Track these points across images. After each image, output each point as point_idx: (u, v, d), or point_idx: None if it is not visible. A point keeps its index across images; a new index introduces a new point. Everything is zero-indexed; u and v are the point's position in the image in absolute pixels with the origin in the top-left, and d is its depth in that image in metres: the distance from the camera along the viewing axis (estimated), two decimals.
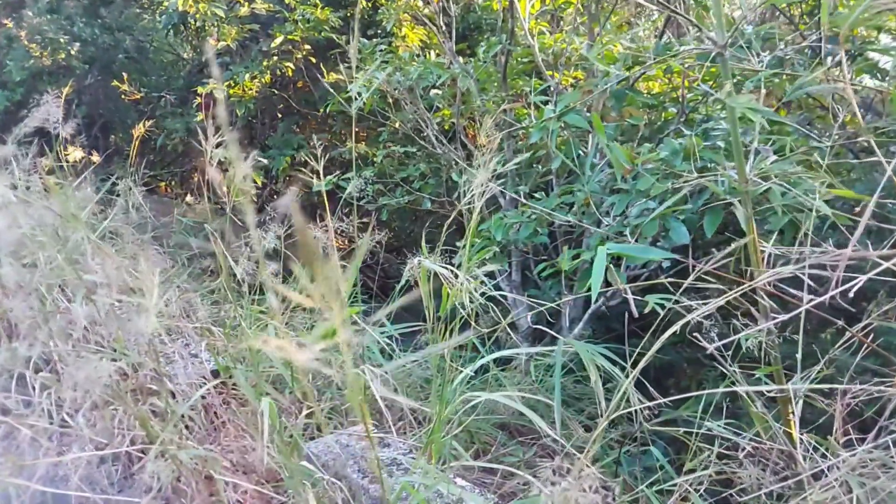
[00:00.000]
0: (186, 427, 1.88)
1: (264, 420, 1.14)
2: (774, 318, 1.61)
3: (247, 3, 5.17)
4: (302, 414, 1.66)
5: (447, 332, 1.50)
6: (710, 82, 3.23)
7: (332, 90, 5.43)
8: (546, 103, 2.47)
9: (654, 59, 2.18)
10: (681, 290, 1.43)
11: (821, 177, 1.52)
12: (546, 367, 3.20)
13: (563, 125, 2.49)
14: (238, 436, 2.08)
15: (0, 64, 5.53)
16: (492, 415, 2.78)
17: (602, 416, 1.11)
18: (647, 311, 1.28)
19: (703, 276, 1.76)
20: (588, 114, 2.56)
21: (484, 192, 1.30)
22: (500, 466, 1.63)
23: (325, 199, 1.77)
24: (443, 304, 1.38)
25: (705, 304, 1.66)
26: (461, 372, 1.48)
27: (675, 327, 0.96)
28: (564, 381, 3.17)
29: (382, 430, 2.36)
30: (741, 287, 1.18)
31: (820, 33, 2.40)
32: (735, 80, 2.83)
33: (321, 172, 1.69)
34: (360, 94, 3.56)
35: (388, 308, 0.76)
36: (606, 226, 2.01)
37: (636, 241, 2.05)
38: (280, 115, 6.77)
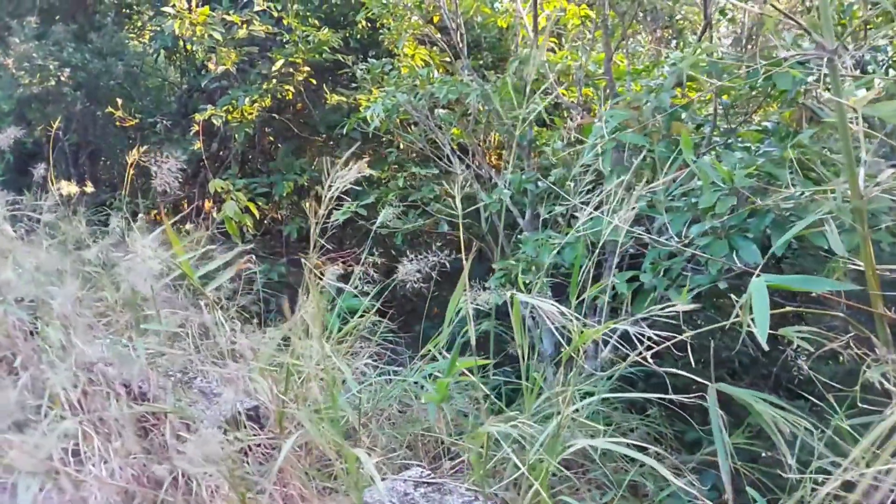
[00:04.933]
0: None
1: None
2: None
3: (244, 26, 5.04)
4: (373, 461, 1.51)
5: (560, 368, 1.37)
6: (725, 95, 3.16)
7: (339, 112, 5.30)
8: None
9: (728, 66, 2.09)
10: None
11: None
12: (581, 396, 3.06)
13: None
14: (286, 482, 1.93)
15: None
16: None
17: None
18: (790, 343, 1.18)
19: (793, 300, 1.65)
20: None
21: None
22: None
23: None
24: (571, 346, 1.26)
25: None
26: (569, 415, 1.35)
27: None
28: (605, 410, 3.04)
29: (415, 462, 2.22)
30: None
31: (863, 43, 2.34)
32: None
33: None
34: (377, 114, 3.45)
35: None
36: (678, 243, 1.92)
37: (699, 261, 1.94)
38: (274, 139, 6.60)
